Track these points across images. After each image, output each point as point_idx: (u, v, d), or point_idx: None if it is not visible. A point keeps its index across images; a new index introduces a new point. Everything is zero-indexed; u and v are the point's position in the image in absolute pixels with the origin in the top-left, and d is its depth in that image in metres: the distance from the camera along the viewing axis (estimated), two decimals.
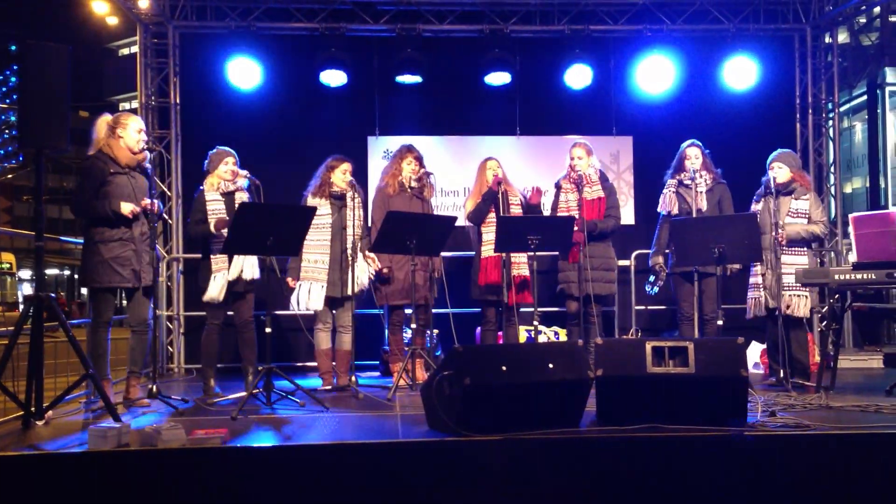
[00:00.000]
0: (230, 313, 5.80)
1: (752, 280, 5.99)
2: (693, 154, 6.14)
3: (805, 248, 5.91)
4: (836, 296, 5.74)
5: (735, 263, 5.87)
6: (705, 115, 8.08)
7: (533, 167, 8.11)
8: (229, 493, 3.73)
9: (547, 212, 6.51)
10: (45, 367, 4.49)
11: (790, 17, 8.22)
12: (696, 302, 6.01)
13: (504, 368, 4.12)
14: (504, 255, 5.92)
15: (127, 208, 5.08)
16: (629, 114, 8.28)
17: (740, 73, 7.86)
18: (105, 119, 5.28)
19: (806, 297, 5.81)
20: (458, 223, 5.97)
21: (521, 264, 6.13)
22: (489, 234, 6.06)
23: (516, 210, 6.19)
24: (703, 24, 8.13)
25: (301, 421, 4.63)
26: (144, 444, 3.86)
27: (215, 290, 5.59)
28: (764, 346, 6.48)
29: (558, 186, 6.30)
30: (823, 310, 7.37)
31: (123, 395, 5.33)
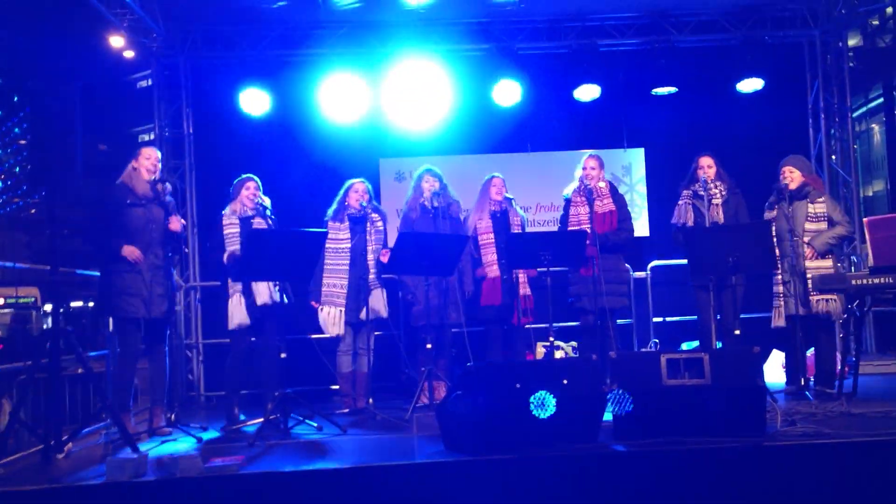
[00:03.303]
0: (253, 339, 5.81)
1: (774, 289, 5.94)
2: (706, 164, 6.09)
3: (830, 253, 5.86)
4: (857, 301, 5.69)
5: (750, 272, 5.82)
6: (717, 124, 8.03)
7: (545, 184, 8.11)
8: None
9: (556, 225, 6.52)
10: (67, 397, 4.54)
11: (798, 22, 8.16)
12: (713, 312, 5.95)
13: (518, 385, 4.11)
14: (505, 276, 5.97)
15: (128, 251, 5.15)
16: (640, 126, 8.27)
17: (750, 80, 7.81)
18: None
19: (836, 300, 5.75)
20: None
21: (523, 283, 6.14)
22: (489, 255, 6.09)
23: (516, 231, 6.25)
24: (710, 35, 8.11)
25: (318, 445, 4.64)
26: (162, 474, 3.88)
27: (239, 314, 5.59)
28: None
29: (568, 200, 6.30)
30: (844, 316, 7.28)
31: (148, 425, 5.36)
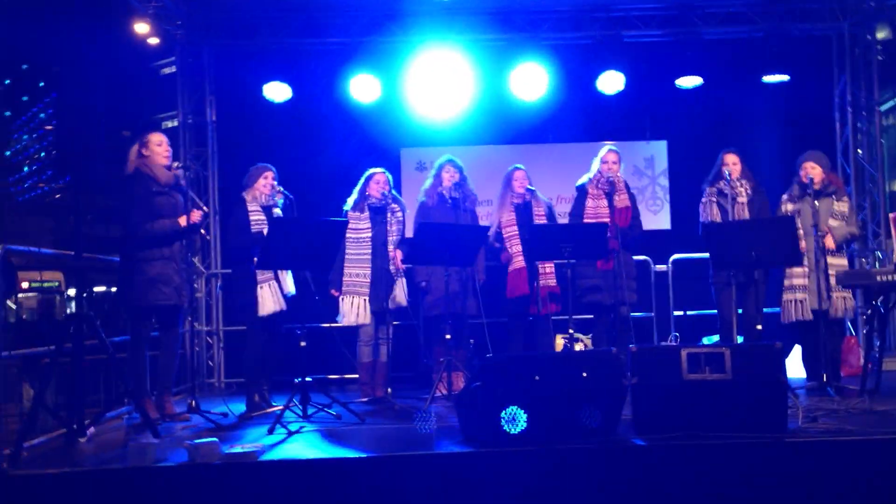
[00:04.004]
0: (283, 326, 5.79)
1: (786, 282, 5.89)
2: (731, 161, 6.03)
3: (844, 250, 5.82)
4: (881, 297, 5.62)
5: (773, 267, 5.78)
6: (742, 116, 7.98)
7: (566, 175, 8.03)
8: None
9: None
10: (91, 382, 4.57)
11: (826, 15, 8.05)
12: (734, 307, 5.91)
13: (537, 378, 4.10)
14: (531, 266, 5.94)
15: (183, 220, 5.19)
16: (663, 118, 8.21)
17: (776, 73, 7.73)
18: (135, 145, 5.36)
19: (848, 298, 5.72)
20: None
21: (548, 275, 6.12)
22: (515, 247, 6.07)
23: (541, 221, 6.21)
24: (737, 26, 8.01)
25: (337, 434, 4.65)
26: (182, 460, 3.91)
27: (272, 301, 5.50)
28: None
29: (584, 191, 6.25)
30: (868, 312, 7.22)
31: (161, 412, 5.38)
